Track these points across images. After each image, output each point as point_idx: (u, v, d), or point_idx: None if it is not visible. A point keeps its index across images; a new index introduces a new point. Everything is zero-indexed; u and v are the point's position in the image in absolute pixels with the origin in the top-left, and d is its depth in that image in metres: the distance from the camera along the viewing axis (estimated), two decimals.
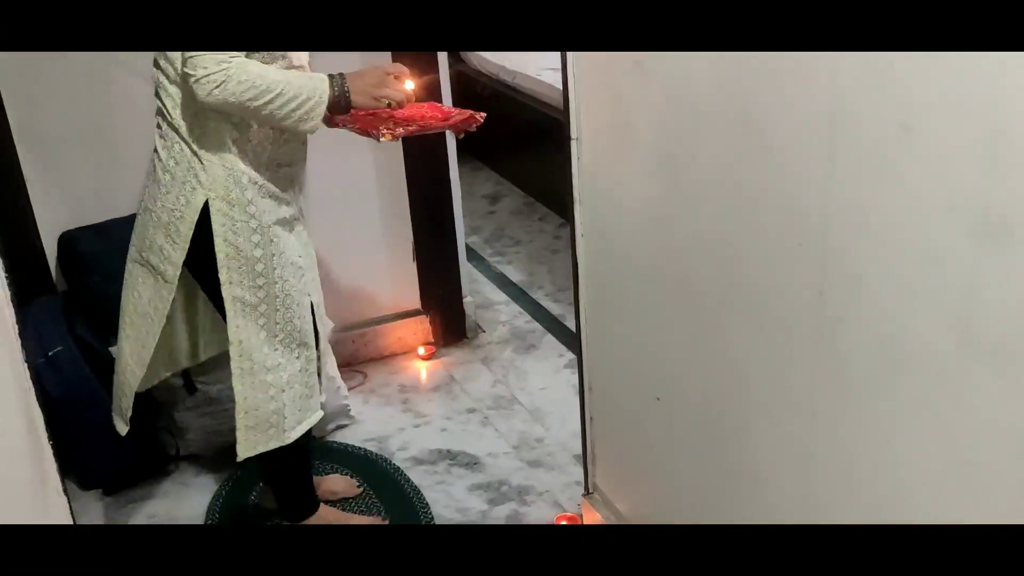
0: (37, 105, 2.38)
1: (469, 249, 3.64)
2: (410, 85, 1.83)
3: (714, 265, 1.50)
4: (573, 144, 1.84)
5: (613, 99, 1.68)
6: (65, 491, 1.52)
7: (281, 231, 1.86)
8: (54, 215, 2.45)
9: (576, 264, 1.94)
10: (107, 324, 2.27)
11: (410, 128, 1.81)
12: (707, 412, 1.62)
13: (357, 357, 2.90)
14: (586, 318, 1.98)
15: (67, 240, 2.46)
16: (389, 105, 1.79)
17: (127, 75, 2.38)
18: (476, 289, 3.31)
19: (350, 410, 2.60)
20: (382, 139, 1.78)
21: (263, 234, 1.82)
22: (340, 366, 2.56)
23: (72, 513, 1.58)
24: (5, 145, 2.34)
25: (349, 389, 2.65)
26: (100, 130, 2.45)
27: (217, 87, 1.63)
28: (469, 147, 4.42)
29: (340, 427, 2.59)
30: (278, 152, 1.84)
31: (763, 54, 1.25)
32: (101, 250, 2.38)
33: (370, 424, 2.62)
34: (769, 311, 1.39)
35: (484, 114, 1.87)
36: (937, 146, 1.02)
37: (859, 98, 1.12)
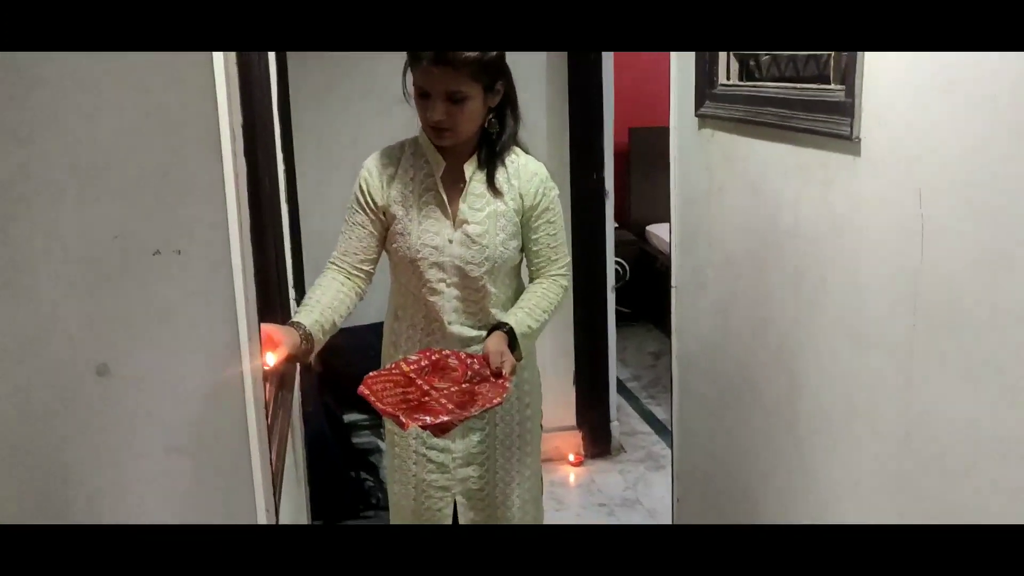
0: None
1: (628, 390, 4.39)
2: (270, 359, 1.69)
3: (743, 373, 2.19)
4: (674, 291, 2.60)
5: (694, 260, 2.44)
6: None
7: None
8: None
9: (672, 379, 2.66)
10: (344, 397, 3.22)
11: (430, 420, 1.71)
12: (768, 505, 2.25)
13: None
14: (678, 419, 2.67)
15: None
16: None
17: None
18: (626, 420, 4.02)
19: None
20: (406, 428, 1.74)
21: None
22: None
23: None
24: (280, 262, 3.40)
25: None
26: None
27: None
28: (645, 312, 5.25)
29: None
30: None
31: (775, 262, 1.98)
32: (348, 344, 3.35)
33: None
34: (762, 400, 2.05)
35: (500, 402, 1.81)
36: (830, 311, 1.72)
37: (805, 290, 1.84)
